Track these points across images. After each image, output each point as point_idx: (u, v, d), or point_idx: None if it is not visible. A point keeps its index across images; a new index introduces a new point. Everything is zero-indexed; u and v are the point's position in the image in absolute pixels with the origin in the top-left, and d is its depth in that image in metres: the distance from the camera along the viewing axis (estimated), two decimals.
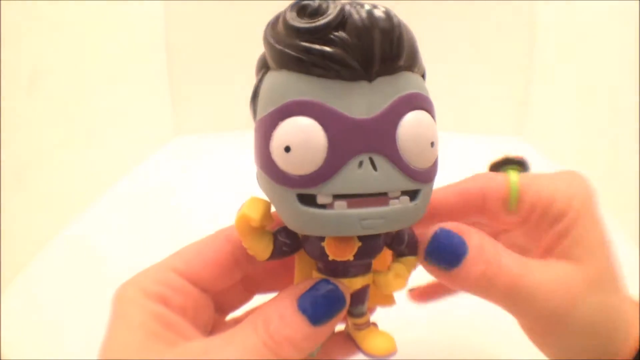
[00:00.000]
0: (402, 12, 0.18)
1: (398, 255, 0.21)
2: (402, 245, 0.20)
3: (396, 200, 0.17)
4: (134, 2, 0.70)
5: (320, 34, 0.16)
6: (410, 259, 0.21)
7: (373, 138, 0.16)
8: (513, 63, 0.81)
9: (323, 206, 0.17)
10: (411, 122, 0.17)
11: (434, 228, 0.19)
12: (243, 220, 0.18)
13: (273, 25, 0.17)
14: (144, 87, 0.76)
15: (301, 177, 0.16)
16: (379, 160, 0.17)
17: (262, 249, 0.19)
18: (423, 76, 0.19)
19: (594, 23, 0.61)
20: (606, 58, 0.57)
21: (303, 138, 0.16)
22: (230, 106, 0.85)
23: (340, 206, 0.17)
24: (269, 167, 0.17)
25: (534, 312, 0.18)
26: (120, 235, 0.51)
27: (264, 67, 0.18)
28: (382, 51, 0.16)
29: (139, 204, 0.59)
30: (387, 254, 0.21)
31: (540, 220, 0.20)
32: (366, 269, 0.20)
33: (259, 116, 0.17)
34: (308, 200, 0.17)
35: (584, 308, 0.18)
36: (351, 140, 0.16)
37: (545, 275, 0.18)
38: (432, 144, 0.17)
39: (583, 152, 0.62)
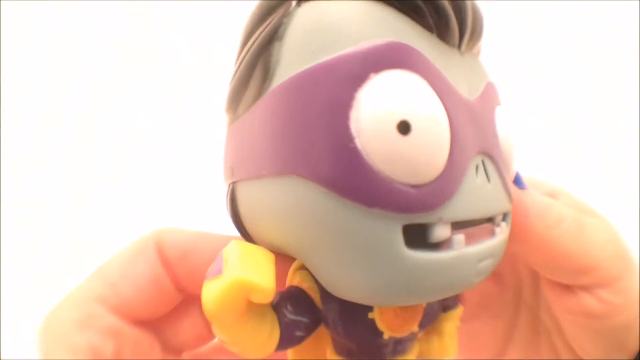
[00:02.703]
0: None
1: (441, 310, 0.15)
2: (450, 297, 0.15)
3: (499, 229, 0.12)
4: None
5: None
6: (455, 312, 0.15)
7: (485, 131, 0.11)
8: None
9: (436, 247, 0.10)
10: (505, 116, 0.12)
11: None
12: (240, 292, 0.10)
13: None
14: None
15: (416, 189, 0.09)
16: (489, 166, 0.11)
17: (263, 339, 0.11)
18: None
19: (597, 23, 0.61)
20: (607, 58, 0.57)
21: (428, 110, 0.09)
22: None
23: (459, 243, 0.10)
24: (344, 171, 0.09)
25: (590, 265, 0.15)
26: (120, 236, 0.51)
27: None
28: (473, 17, 0.11)
29: None
30: None
31: None
32: (412, 339, 0.14)
33: (295, 68, 0.10)
34: (414, 237, 0.10)
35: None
36: (470, 129, 0.10)
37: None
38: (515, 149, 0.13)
39: (583, 153, 0.62)
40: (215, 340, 0.17)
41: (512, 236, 0.14)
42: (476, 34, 0.12)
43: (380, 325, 0.12)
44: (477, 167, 0.10)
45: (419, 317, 0.12)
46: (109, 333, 0.14)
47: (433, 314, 0.13)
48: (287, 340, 0.12)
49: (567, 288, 0.16)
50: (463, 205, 0.10)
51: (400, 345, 0.13)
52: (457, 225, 0.10)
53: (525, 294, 0.19)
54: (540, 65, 0.54)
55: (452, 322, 0.15)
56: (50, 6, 0.49)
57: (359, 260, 0.09)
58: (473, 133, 0.10)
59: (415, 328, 0.12)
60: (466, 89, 0.11)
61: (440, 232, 0.10)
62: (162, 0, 0.50)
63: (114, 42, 0.47)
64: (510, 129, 0.12)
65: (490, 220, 0.11)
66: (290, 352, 0.14)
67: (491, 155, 0.11)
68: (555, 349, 0.18)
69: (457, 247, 0.10)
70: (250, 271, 0.10)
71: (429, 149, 0.09)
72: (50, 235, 0.50)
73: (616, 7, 0.54)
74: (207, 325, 0.16)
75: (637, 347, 0.16)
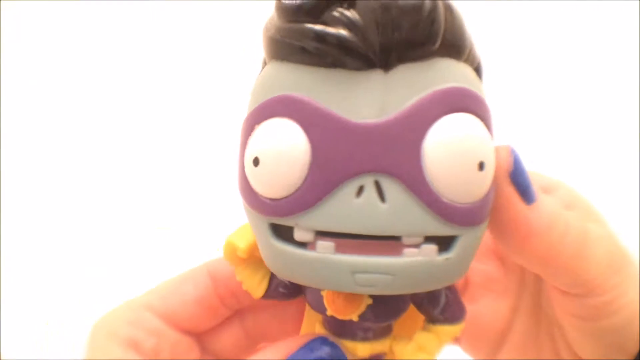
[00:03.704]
0: None
1: (429, 320, 0.16)
2: (436, 308, 0.15)
3: (414, 250, 0.12)
4: None
5: (316, 13, 0.12)
6: (444, 328, 0.15)
7: (383, 152, 0.12)
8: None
9: (303, 245, 0.13)
10: (448, 130, 0.12)
11: (506, 147, 0.14)
12: (229, 249, 0.15)
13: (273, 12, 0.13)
14: None
15: (273, 201, 0.13)
16: (390, 185, 0.12)
17: (254, 285, 0.16)
18: (477, 70, 0.14)
19: (593, 23, 0.61)
20: (605, 57, 0.57)
21: (274, 147, 0.12)
22: None
23: (325, 248, 0.12)
24: (242, 184, 0.13)
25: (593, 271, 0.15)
26: (122, 236, 0.51)
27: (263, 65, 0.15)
28: (403, 24, 0.12)
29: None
30: (419, 315, 0.16)
31: None
32: (382, 333, 0.15)
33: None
34: (285, 234, 0.13)
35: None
36: (348, 153, 0.12)
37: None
38: (482, 165, 0.12)
39: (583, 152, 0.62)
40: (255, 348, 0.20)
41: (512, 246, 0.15)
42: (416, 42, 0.12)
43: (325, 302, 0.14)
44: (361, 187, 0.12)
45: (356, 308, 0.14)
46: (151, 332, 0.17)
47: (389, 313, 0.15)
48: (271, 291, 0.16)
49: (562, 290, 0.16)
50: (327, 218, 0.12)
51: (360, 330, 0.15)
52: (333, 235, 0.12)
53: (528, 279, 0.20)
54: (539, 65, 0.54)
55: (433, 336, 0.15)
56: (50, 6, 0.49)
57: (258, 242, 0.14)
58: (360, 155, 0.12)
59: (354, 317, 0.14)
60: (376, 110, 0.12)
61: (299, 234, 0.13)
62: (162, 0, 0.50)
63: (114, 42, 0.48)
64: (458, 143, 0.12)
65: (397, 239, 0.12)
66: (304, 322, 0.18)
67: (397, 176, 0.12)
68: (553, 339, 0.19)
69: (322, 251, 0.12)
70: (236, 237, 0.15)
71: (274, 175, 0.12)
72: (51, 235, 0.50)
73: (616, 7, 0.54)
74: (246, 336, 0.19)
75: (637, 349, 0.16)
